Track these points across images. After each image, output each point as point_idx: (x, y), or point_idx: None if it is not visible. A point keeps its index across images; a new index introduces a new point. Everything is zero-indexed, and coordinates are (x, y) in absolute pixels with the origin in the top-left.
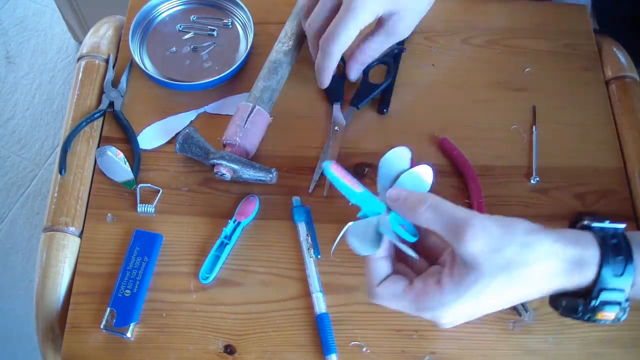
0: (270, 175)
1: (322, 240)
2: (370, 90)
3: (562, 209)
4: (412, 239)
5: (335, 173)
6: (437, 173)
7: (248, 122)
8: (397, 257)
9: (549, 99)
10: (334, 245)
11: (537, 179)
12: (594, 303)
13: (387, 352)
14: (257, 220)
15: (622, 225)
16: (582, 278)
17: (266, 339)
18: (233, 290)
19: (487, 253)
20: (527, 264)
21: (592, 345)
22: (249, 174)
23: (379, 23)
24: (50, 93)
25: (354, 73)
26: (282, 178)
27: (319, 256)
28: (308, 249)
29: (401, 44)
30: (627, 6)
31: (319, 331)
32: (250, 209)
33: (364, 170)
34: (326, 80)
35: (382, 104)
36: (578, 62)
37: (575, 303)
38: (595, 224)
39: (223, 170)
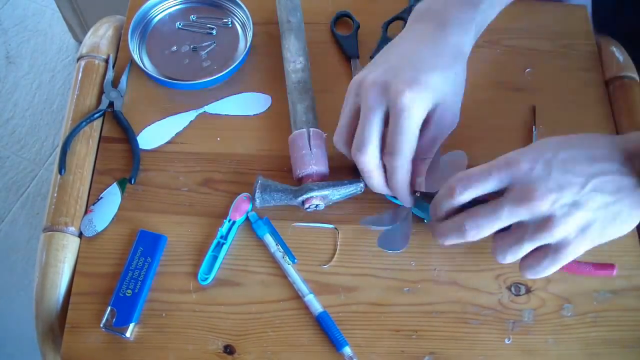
0: (360, 185)
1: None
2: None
3: None
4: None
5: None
6: None
7: (312, 146)
8: None
9: (549, 99)
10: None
11: None
12: None
13: (387, 352)
14: None
15: None
16: None
17: (266, 339)
18: (232, 290)
19: None
20: None
21: (592, 345)
22: (339, 193)
23: (425, 120)
24: (50, 93)
25: (415, 186)
26: (277, 177)
27: (295, 260)
28: (283, 257)
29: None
30: (625, 21)
31: (323, 330)
32: (244, 207)
33: None
34: (408, 197)
35: None
36: (578, 63)
37: None
38: None
39: (316, 202)
